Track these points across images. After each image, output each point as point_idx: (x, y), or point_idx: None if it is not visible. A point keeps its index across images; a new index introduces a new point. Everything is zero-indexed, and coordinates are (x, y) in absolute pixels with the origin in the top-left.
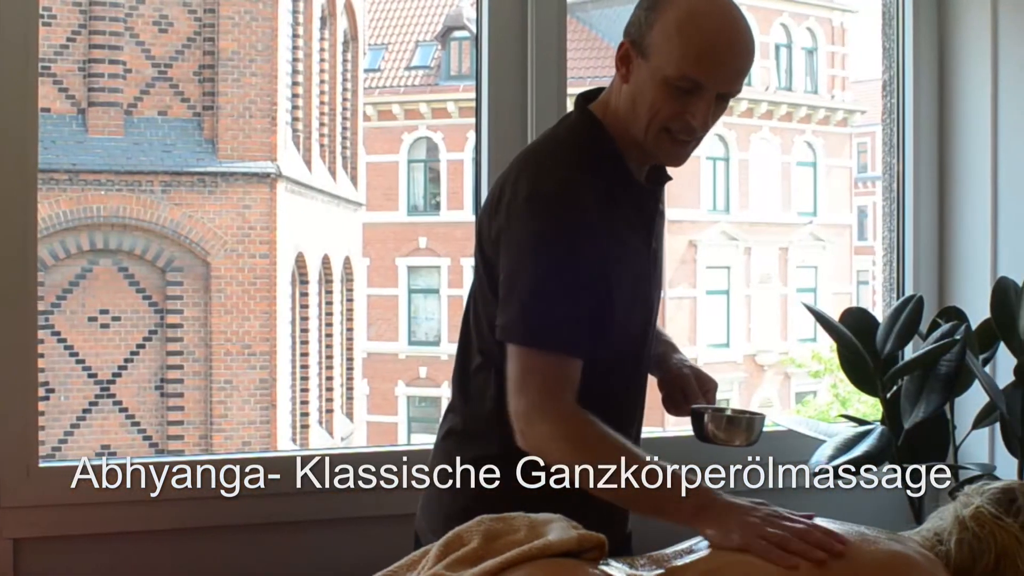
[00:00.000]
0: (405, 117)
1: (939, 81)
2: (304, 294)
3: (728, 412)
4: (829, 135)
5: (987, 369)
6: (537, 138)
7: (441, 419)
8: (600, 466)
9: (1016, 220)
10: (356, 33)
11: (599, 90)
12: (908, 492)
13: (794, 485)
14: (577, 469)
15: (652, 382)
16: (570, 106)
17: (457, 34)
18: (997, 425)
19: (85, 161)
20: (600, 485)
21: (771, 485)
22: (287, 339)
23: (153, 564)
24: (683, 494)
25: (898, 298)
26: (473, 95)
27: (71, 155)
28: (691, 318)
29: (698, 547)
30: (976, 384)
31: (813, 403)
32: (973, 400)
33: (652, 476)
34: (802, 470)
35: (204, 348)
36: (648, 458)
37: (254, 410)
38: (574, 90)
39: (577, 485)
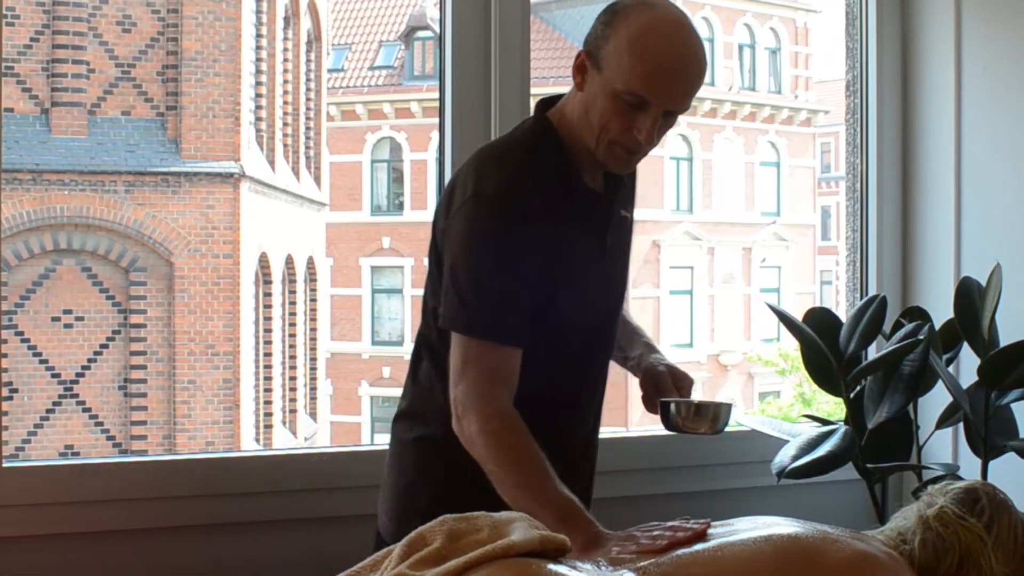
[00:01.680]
0: (369, 117)
1: (902, 81)
2: (268, 294)
3: (695, 401)
4: (792, 135)
5: (950, 369)
6: (493, 140)
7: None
8: (512, 473)
9: (979, 220)
10: (320, 33)
11: (559, 96)
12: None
13: (757, 485)
14: (493, 468)
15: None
16: (533, 107)
17: (421, 34)
18: (960, 425)
19: (49, 161)
20: (507, 490)
21: (734, 485)
22: (250, 339)
23: (118, 564)
24: (576, 526)
25: (861, 298)
26: (437, 95)
27: (35, 155)
28: (655, 318)
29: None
30: (939, 384)
31: (776, 403)
32: (936, 400)
33: (553, 500)
34: (766, 470)
35: (167, 348)
36: (554, 481)
37: (217, 410)
38: (537, 90)
39: (493, 480)
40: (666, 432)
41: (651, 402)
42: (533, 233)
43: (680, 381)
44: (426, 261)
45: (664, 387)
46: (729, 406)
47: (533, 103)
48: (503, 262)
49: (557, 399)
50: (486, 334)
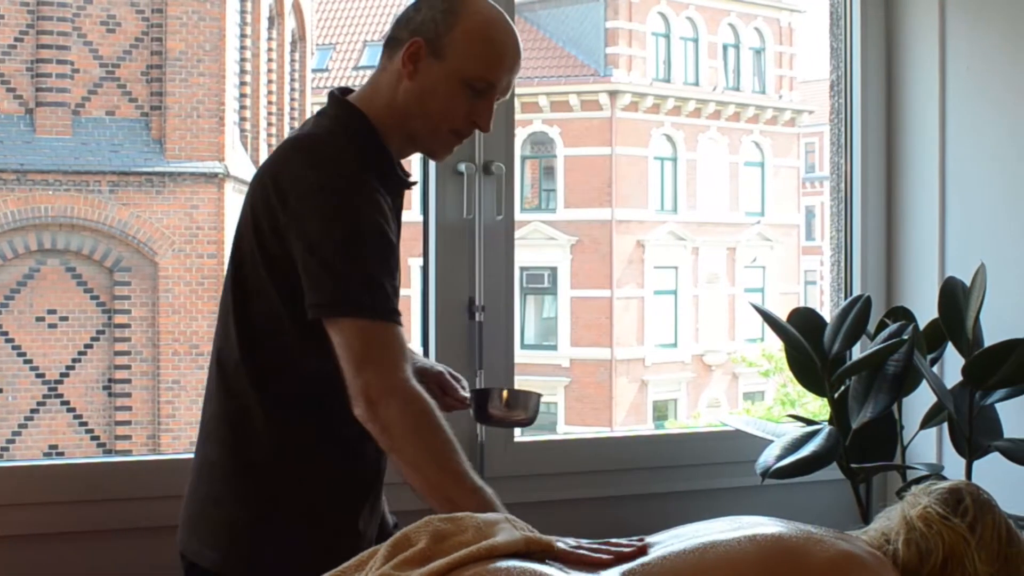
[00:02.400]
0: None
1: (887, 81)
2: None
3: (507, 390)
4: (777, 135)
5: (935, 369)
6: (299, 133)
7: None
8: (437, 457)
9: (963, 220)
10: (304, 33)
11: (348, 89)
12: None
13: (741, 485)
14: (415, 453)
15: None
16: (518, 107)
17: None
18: (945, 425)
19: (33, 161)
20: (428, 476)
21: (718, 485)
22: None
23: (102, 564)
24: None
25: (846, 298)
26: None
27: (19, 155)
28: (639, 318)
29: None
30: (924, 384)
31: (761, 403)
32: (921, 400)
33: (474, 487)
34: (750, 470)
35: (152, 348)
36: (470, 468)
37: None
38: (522, 90)
39: (409, 469)
40: (651, 432)
41: (440, 402)
42: (385, 216)
43: (457, 379)
44: (410, 261)
45: (447, 385)
46: (539, 395)
47: (518, 103)
48: (377, 244)
49: None
50: (385, 315)
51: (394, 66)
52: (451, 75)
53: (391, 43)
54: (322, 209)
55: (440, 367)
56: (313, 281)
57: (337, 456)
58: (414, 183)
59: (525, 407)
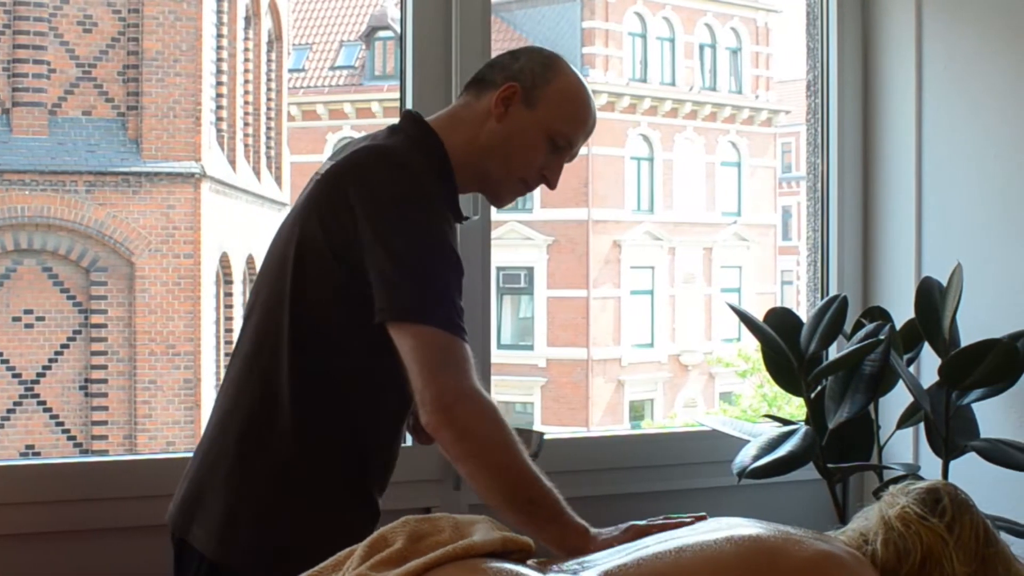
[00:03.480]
0: (329, 117)
1: (863, 81)
2: (228, 294)
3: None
4: (753, 135)
5: (911, 369)
6: (374, 143)
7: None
8: (516, 461)
9: (940, 220)
10: (280, 33)
11: (419, 114)
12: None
13: (718, 485)
14: (499, 458)
15: None
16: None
17: (381, 34)
18: (921, 425)
19: (9, 161)
20: (508, 480)
21: (695, 485)
22: (211, 339)
23: (79, 564)
24: (574, 519)
25: (822, 298)
26: (397, 95)
27: None
28: (615, 318)
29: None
30: (900, 384)
31: (738, 403)
32: (897, 400)
33: (550, 491)
34: (726, 470)
35: (128, 348)
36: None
37: (178, 410)
38: None
39: (488, 474)
40: (627, 432)
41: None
42: (454, 236)
43: None
44: None
45: None
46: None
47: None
48: (456, 260)
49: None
50: (460, 331)
51: (481, 105)
52: (538, 125)
53: (480, 83)
54: (406, 219)
55: None
56: (390, 286)
57: (355, 463)
58: (467, 218)
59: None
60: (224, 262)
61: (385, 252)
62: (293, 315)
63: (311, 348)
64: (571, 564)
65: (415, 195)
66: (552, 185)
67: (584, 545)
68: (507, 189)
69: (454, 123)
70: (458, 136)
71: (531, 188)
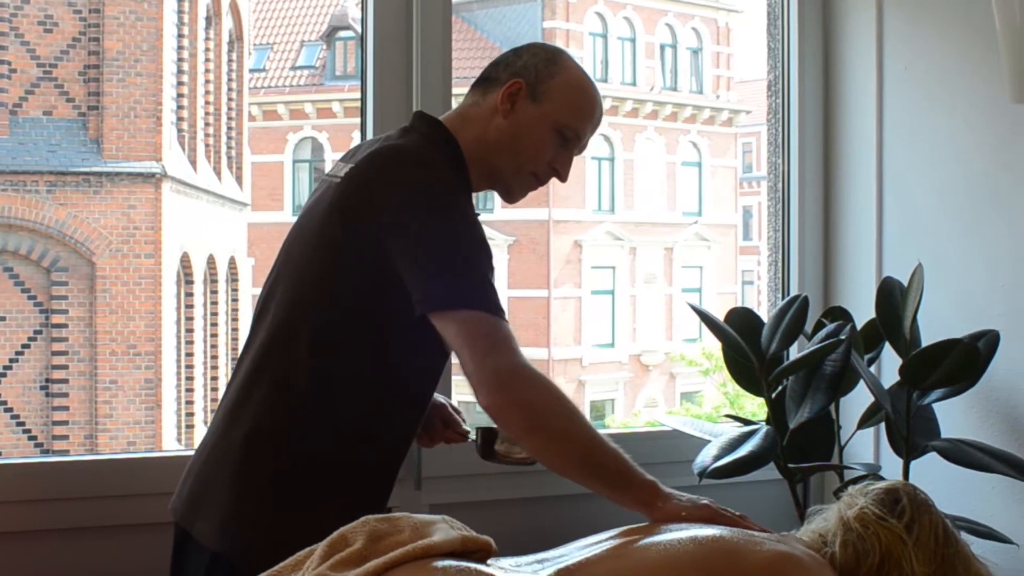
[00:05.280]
0: (290, 117)
1: (824, 81)
2: (189, 294)
3: None
4: (714, 135)
5: (872, 369)
6: (388, 143)
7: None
8: (584, 427)
9: (901, 220)
10: (241, 33)
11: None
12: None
13: (679, 485)
14: (565, 426)
15: None
16: (455, 106)
17: (342, 34)
18: (882, 425)
19: None
20: (581, 446)
21: None
22: (172, 339)
23: (40, 564)
24: (643, 475)
25: (783, 298)
26: (358, 95)
27: None
28: (576, 318)
29: (587, 550)
30: (861, 384)
31: (698, 403)
32: (858, 400)
33: (615, 452)
34: (687, 470)
35: (89, 348)
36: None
37: (139, 410)
38: (459, 90)
39: (557, 444)
40: None
41: (432, 432)
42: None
43: (459, 413)
44: None
45: (450, 419)
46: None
47: (455, 103)
48: (486, 246)
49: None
50: (501, 313)
51: (488, 103)
52: (545, 119)
53: (486, 82)
54: (435, 211)
55: (442, 399)
56: (428, 277)
57: (365, 463)
58: (478, 215)
59: (502, 440)
60: (185, 262)
61: (419, 246)
62: (314, 316)
63: (330, 349)
64: (531, 561)
65: (440, 188)
66: (563, 178)
67: (653, 500)
68: (518, 184)
69: (463, 122)
70: (467, 134)
71: (542, 182)
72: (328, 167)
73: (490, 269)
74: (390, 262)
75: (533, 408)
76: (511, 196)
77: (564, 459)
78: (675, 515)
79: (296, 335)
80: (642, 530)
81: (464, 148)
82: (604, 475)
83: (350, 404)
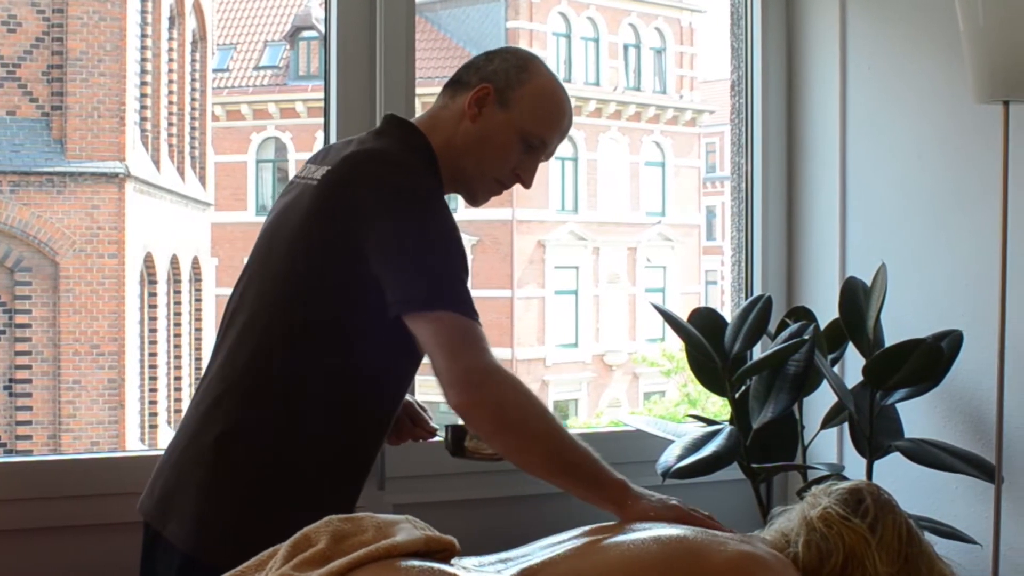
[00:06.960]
0: (254, 117)
1: (787, 81)
2: (153, 294)
3: None
4: (678, 135)
5: (835, 369)
6: (363, 147)
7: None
8: (557, 428)
9: (864, 220)
10: (205, 33)
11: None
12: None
13: (642, 485)
14: (540, 426)
15: None
16: (419, 107)
17: (306, 34)
18: (846, 425)
19: None
20: (554, 447)
21: None
22: (136, 339)
23: (5, 564)
24: (613, 475)
25: (747, 298)
26: (322, 95)
27: None
28: (539, 318)
29: (551, 549)
30: (825, 384)
31: (661, 403)
32: (822, 400)
33: (585, 453)
34: (651, 469)
35: (53, 348)
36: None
37: (103, 410)
38: (423, 90)
39: (527, 443)
40: None
41: (401, 431)
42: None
43: (425, 411)
44: None
45: (418, 416)
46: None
47: (419, 103)
48: (461, 247)
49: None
50: (474, 314)
51: (457, 106)
52: (511, 125)
53: (456, 85)
54: (412, 213)
55: (409, 398)
56: (403, 279)
57: (337, 463)
58: None
59: (471, 438)
60: (148, 262)
61: (396, 249)
62: (287, 318)
63: (302, 352)
64: (494, 561)
65: (419, 192)
66: (527, 184)
67: (623, 499)
68: (482, 189)
69: (433, 124)
70: (437, 137)
71: (506, 187)
72: (292, 167)
73: (465, 272)
74: (367, 265)
75: (502, 407)
76: (475, 200)
77: (534, 458)
78: (644, 515)
79: (268, 337)
80: (607, 529)
81: (435, 150)
82: (574, 474)
83: (322, 407)
